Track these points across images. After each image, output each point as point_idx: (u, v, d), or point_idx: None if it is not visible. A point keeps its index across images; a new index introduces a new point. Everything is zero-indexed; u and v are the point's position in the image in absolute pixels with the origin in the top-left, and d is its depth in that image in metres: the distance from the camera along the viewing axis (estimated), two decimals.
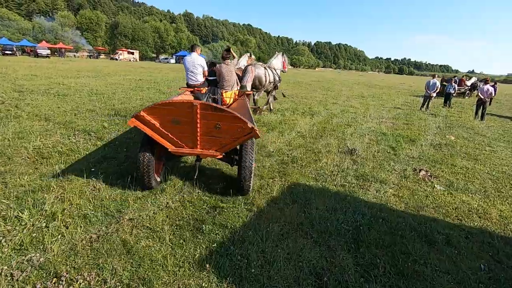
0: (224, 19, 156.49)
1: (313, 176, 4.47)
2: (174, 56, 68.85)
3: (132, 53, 62.61)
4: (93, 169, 3.96)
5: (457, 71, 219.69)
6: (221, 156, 3.52)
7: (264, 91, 8.92)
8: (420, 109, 13.29)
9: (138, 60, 62.93)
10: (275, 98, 9.76)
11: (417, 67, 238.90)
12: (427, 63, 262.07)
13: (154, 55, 75.89)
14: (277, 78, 8.99)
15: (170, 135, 3.28)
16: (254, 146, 3.61)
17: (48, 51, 41.82)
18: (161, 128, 3.22)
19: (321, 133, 7.24)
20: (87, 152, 4.59)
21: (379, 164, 5.21)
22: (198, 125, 3.18)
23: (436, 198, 4.07)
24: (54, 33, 55.57)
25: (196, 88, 5.90)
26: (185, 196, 3.45)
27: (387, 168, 5.04)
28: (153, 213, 3.01)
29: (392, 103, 15.54)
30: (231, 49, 6.48)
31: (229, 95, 5.94)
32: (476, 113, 11.95)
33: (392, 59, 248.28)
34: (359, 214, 3.35)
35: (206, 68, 6.13)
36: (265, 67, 8.29)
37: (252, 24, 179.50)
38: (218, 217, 3.05)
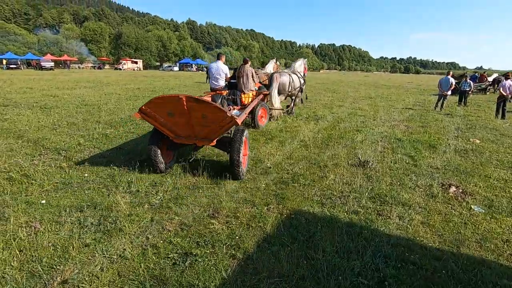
0: (227, 25, 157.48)
1: (319, 199, 3.63)
2: (177, 64, 68.97)
3: (136, 62, 62.85)
4: (43, 201, 3.21)
5: (464, 68, 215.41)
6: (214, 144, 4.13)
7: (289, 96, 9.23)
8: (434, 109, 12.30)
9: (142, 69, 63.11)
10: (302, 102, 10.56)
11: (423, 66, 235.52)
12: (433, 61, 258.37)
13: (158, 63, 76.24)
14: (302, 81, 9.44)
15: (169, 125, 3.92)
16: (245, 134, 4.16)
17: (52, 64, 42.10)
18: (160, 120, 3.86)
19: (327, 141, 6.38)
20: (45, 178, 3.84)
21: (399, 179, 4.33)
22: (189, 116, 3.71)
23: (477, 225, 3.18)
24: (59, 45, 56.20)
25: (217, 91, 6.85)
26: (149, 238, 2.64)
27: (409, 184, 4.16)
28: (100, 268, 2.21)
29: (402, 103, 14.56)
30: (249, 62, 7.37)
31: (247, 96, 6.96)
32: (497, 111, 10.90)
33: (398, 58, 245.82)
34: (381, 258, 2.49)
35: (229, 75, 7.20)
36: (289, 74, 8.74)
37: (255, 29, 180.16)
38: (188, 271, 2.24)
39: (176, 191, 3.59)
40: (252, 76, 7.15)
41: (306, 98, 11.50)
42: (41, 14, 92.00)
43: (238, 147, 3.89)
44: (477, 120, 10.28)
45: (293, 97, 9.34)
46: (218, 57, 7.18)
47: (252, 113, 6.81)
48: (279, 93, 8.41)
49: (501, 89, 10.77)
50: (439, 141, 6.77)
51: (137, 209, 3.15)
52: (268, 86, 8.01)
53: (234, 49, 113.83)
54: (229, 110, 5.39)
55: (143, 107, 3.77)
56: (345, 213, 3.29)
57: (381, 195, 3.76)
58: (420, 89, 26.85)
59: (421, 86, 30.66)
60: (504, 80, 10.81)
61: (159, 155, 4.04)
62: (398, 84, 33.62)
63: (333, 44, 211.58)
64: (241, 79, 6.99)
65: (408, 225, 3.09)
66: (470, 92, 14.47)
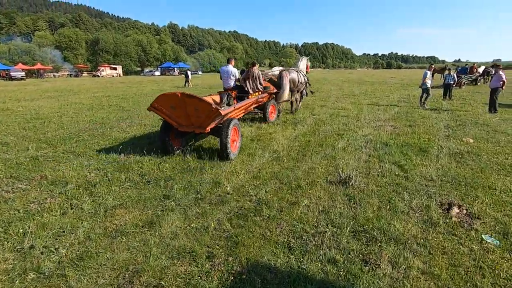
0: (209, 27, 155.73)
1: (285, 240, 2.72)
2: (159, 68, 67.19)
3: (115, 69, 60.78)
4: None
5: (444, 61, 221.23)
6: (209, 131, 4.98)
7: (297, 91, 9.73)
8: (421, 106, 11.65)
9: (121, 75, 61.07)
10: (306, 95, 11.47)
11: (404, 61, 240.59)
12: (414, 55, 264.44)
13: (139, 68, 74.14)
14: (306, 79, 10.19)
15: (172, 117, 4.93)
16: (233, 123, 5.03)
17: (23, 73, 39.87)
18: (166, 112, 4.89)
19: (304, 150, 5.50)
20: None
21: (388, 200, 3.48)
22: (185, 109, 4.69)
23: (495, 268, 2.34)
24: (32, 54, 53.54)
25: (228, 90, 7.57)
26: None
27: (401, 208, 3.31)
28: None
29: (386, 100, 13.94)
30: (257, 65, 8.15)
31: (253, 96, 7.68)
32: (490, 104, 10.31)
33: (380, 54, 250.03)
34: None
35: (238, 76, 7.96)
36: (296, 71, 9.42)
37: (238, 31, 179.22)
38: None
39: (88, 243, 2.60)
40: (259, 78, 7.91)
41: (312, 93, 12.13)
42: (15, 23, 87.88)
43: (226, 132, 4.77)
44: (465, 115, 9.68)
45: (300, 93, 10.21)
46: (228, 61, 8.01)
47: (264, 109, 8.00)
48: (291, 90, 9.13)
49: (492, 81, 10.19)
50: (429, 143, 6.01)
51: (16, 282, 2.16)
52: (278, 83, 8.62)
53: (217, 51, 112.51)
54: (224, 105, 6.46)
55: (153, 103, 4.87)
56: (319, 264, 2.39)
57: (367, 228, 2.89)
58: (403, 83, 26.56)
59: (403, 81, 30.47)
60: (495, 71, 10.22)
61: (168, 139, 5.16)
62: (382, 80, 33.39)
63: (316, 43, 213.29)
64: (247, 81, 7.85)
65: (405, 279, 2.22)
66: (454, 85, 14.00)
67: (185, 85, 24.67)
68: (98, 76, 55.19)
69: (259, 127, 7.53)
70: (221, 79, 8.05)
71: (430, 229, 2.92)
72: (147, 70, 67.81)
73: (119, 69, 61.43)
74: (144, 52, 72.42)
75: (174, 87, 23.81)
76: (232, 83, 7.88)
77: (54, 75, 52.78)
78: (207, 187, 3.81)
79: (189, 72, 25.84)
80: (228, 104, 6.55)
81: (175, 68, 70.36)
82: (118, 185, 3.88)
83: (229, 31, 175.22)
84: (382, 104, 12.19)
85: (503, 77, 9.81)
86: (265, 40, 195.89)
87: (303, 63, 11.08)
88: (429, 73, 11.41)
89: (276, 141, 6.11)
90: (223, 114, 4.77)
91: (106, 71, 57.86)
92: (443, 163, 4.81)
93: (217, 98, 7.12)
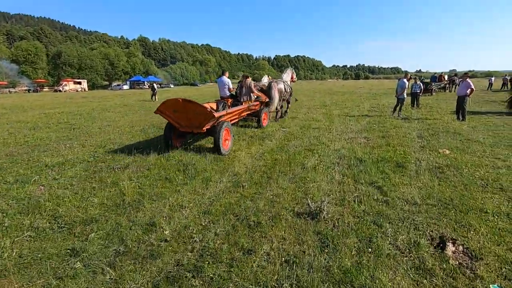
0: (181, 41, 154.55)
1: None
2: (127, 82, 64.64)
3: (79, 83, 57.42)
4: None
5: (406, 71, 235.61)
6: (205, 131, 5.92)
7: (284, 100, 10.74)
8: (392, 114, 11.46)
9: (86, 89, 57.79)
10: (289, 102, 11.88)
11: (371, 71, 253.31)
12: (379, 67, 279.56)
13: (106, 82, 70.87)
14: (290, 89, 11.18)
15: (175, 119, 5.86)
16: (225, 125, 5.99)
17: None
18: (170, 115, 5.81)
19: (270, 172, 4.74)
20: None
21: (368, 239, 2.77)
22: (186, 112, 5.61)
23: None
24: None
25: (223, 99, 8.45)
26: None
27: (385, 249, 2.60)
28: None
29: (357, 110, 13.75)
30: (249, 77, 8.93)
31: (247, 103, 8.38)
32: (457, 112, 10.30)
33: (348, 66, 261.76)
34: None
35: (231, 86, 8.73)
36: (283, 82, 10.49)
37: (211, 44, 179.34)
38: None
39: None
40: (251, 88, 8.59)
41: (296, 100, 13.92)
42: None
43: (219, 132, 5.64)
44: (435, 123, 9.53)
45: (287, 100, 11.21)
46: (223, 73, 8.96)
47: (258, 116, 8.89)
48: (279, 99, 10.02)
49: (460, 89, 10.19)
50: (406, 156, 5.51)
51: None
52: (268, 93, 9.54)
53: (190, 64, 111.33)
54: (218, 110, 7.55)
55: (159, 108, 5.75)
56: None
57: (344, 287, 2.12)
58: (372, 93, 27.16)
59: (372, 90, 31.31)
60: (463, 80, 10.24)
61: (171, 138, 6.11)
62: (351, 90, 34.13)
63: (288, 55, 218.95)
64: (241, 90, 8.69)
65: None
66: (420, 94, 14.17)
67: (151, 98, 23.36)
68: (60, 91, 51.70)
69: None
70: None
71: (425, 280, 2.21)
72: (115, 84, 64.98)
73: (84, 84, 58.16)
74: (111, 65, 69.46)
75: (140, 101, 22.46)
76: (227, 92, 8.70)
77: (9, 91, 48.69)
78: (137, 233, 2.88)
79: (155, 85, 24.55)
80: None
81: (145, 82, 68.20)
82: (13, 236, 2.84)
83: (202, 44, 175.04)
84: (354, 115, 11.89)
85: (472, 85, 9.85)
86: (238, 53, 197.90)
87: (288, 74, 11.93)
88: (407, 83, 11.30)
89: (238, 161, 5.31)
90: (216, 116, 5.72)
91: (69, 86, 54.42)
92: (424, 180, 4.25)
93: (214, 105, 8.05)
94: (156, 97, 24.09)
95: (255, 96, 8.99)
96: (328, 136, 7.53)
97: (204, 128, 5.80)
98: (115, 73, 70.81)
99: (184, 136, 6.80)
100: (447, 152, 5.87)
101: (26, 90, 51.81)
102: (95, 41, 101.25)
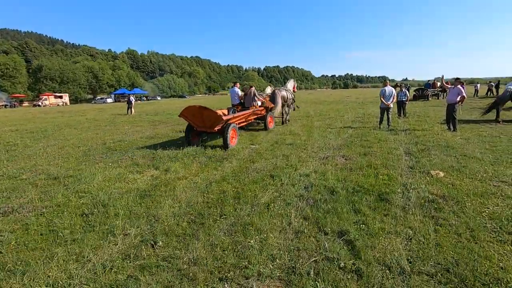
0: (171, 53, 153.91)
1: None
2: (112, 95, 63.04)
3: (61, 97, 55.58)
4: None
5: (393, 80, 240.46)
6: (216, 130, 7.28)
7: (286, 106, 11.78)
8: (379, 126, 10.35)
9: (68, 103, 55.92)
10: (294, 109, 13.59)
11: (359, 81, 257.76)
12: (367, 76, 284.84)
13: (90, 96, 69.05)
14: (292, 96, 12.31)
15: (193, 121, 7.42)
16: (232, 126, 7.47)
17: None
18: (189, 118, 7.38)
19: (207, 214, 3.46)
20: None
21: None
22: (202, 116, 7.17)
23: None
24: None
25: (234, 106, 10.66)
26: None
27: None
28: None
29: (341, 120, 12.70)
30: (253, 87, 10.86)
31: (251, 108, 9.94)
32: (448, 122, 9.30)
33: (337, 75, 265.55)
34: None
35: (240, 94, 10.85)
36: (285, 90, 11.71)
37: (200, 56, 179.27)
38: None
39: None
40: (255, 96, 10.07)
41: (298, 107, 15.52)
42: None
43: (227, 131, 7.12)
44: (425, 135, 8.47)
45: (288, 107, 12.12)
46: (234, 84, 11.19)
47: (264, 119, 10.14)
48: (282, 105, 11.26)
49: (449, 96, 9.18)
50: (390, 183, 4.32)
51: None
52: (273, 99, 10.87)
53: (178, 76, 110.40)
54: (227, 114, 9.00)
55: (182, 112, 7.32)
56: None
57: None
58: (358, 102, 26.45)
59: (359, 99, 30.67)
60: (455, 86, 9.22)
61: (190, 137, 7.73)
62: (338, 99, 33.48)
63: (278, 66, 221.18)
64: (246, 98, 10.20)
65: None
66: (407, 102, 13.24)
67: (127, 112, 21.94)
68: (39, 105, 49.80)
69: (167, 169, 5.40)
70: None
71: None
72: (98, 97, 63.32)
73: (65, 98, 56.30)
74: (95, 78, 67.78)
75: (114, 115, 21.06)
76: (237, 100, 10.78)
77: None
78: None
79: (132, 98, 23.16)
80: None
81: (130, 95, 66.65)
82: None
83: (191, 56, 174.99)
84: (336, 126, 10.79)
85: (463, 92, 8.88)
86: (228, 65, 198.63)
87: (290, 84, 13.34)
88: (394, 92, 10.26)
89: (174, 195, 4.02)
90: (225, 119, 7.19)
91: (49, 100, 52.55)
92: (414, 224, 3.05)
93: (225, 111, 9.79)
94: (133, 110, 22.73)
95: (260, 103, 10.31)
96: (301, 155, 6.33)
97: (215, 129, 7.28)
98: (99, 87, 69.11)
99: (200, 134, 8.16)
100: (441, 174, 4.72)
101: (2, 105, 49.58)
102: (82, 54, 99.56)
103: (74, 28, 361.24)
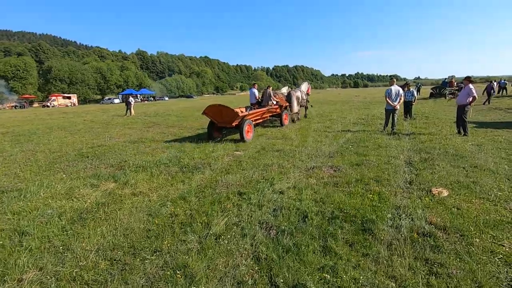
0: (180, 53, 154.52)
1: None
2: (119, 96, 63.48)
3: (69, 98, 56.25)
4: None
5: (405, 79, 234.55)
6: (234, 126, 8.21)
7: (301, 105, 12.88)
8: (384, 129, 9.42)
9: (76, 104, 56.57)
10: (306, 108, 14.60)
11: (370, 79, 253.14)
12: (378, 74, 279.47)
13: (99, 96, 69.78)
14: (306, 97, 13.66)
15: (214, 117, 8.41)
16: (247, 122, 8.41)
17: None
18: (211, 115, 8.40)
19: (142, 245, 2.76)
20: None
21: None
22: (221, 113, 8.20)
23: None
24: None
25: (252, 104, 11.75)
26: None
27: None
28: None
29: (342, 123, 11.82)
30: (270, 87, 11.79)
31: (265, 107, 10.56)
32: (458, 125, 8.32)
33: (347, 74, 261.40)
34: None
35: (258, 95, 12.08)
36: (300, 91, 12.87)
37: (209, 56, 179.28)
38: None
39: None
40: (271, 96, 10.94)
41: (311, 106, 17.42)
42: None
43: (243, 126, 8.06)
44: (431, 140, 7.55)
45: (303, 106, 13.56)
46: (253, 85, 12.30)
47: (280, 117, 11.14)
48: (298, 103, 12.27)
49: (459, 97, 8.18)
50: (380, 206, 3.52)
51: None
52: (289, 99, 11.87)
53: (186, 77, 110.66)
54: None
55: (205, 110, 8.41)
56: None
57: None
58: (365, 102, 25.35)
59: (366, 99, 29.51)
60: (471, 85, 8.20)
61: (212, 132, 8.77)
62: (346, 99, 32.38)
63: (287, 66, 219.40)
64: (263, 97, 11.29)
65: None
66: (414, 102, 12.24)
67: (126, 113, 21.53)
68: (48, 106, 50.53)
69: (125, 184, 4.73)
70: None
71: None
72: (106, 98, 63.87)
73: (74, 98, 56.94)
74: (104, 79, 68.43)
75: (113, 116, 20.74)
76: (254, 99, 11.83)
77: None
78: None
79: (131, 99, 22.68)
80: None
81: (138, 95, 67.00)
82: None
83: (200, 56, 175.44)
84: (333, 130, 9.94)
85: (474, 92, 7.91)
86: (237, 64, 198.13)
87: (305, 85, 14.38)
88: (401, 92, 9.29)
89: (115, 218, 3.35)
90: (241, 116, 8.29)
91: (58, 101, 53.24)
92: (399, 273, 2.26)
93: (243, 109, 10.50)
94: (132, 112, 22.31)
95: (275, 102, 11.09)
96: (284, 165, 5.57)
97: (233, 124, 8.18)
98: (108, 87, 69.72)
99: (221, 130, 9.19)
100: (445, 193, 3.88)
101: (13, 106, 50.52)
102: (92, 55, 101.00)
103: (88, 30, 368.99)
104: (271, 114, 10.92)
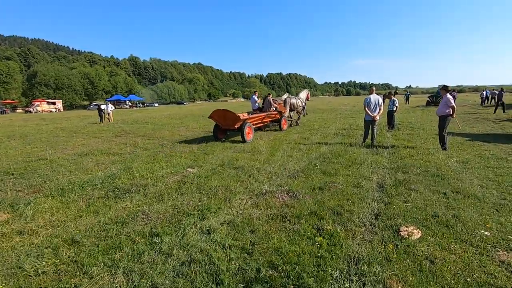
0: (173, 60, 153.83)
1: None
2: (107, 101, 62.07)
3: (54, 103, 54.68)
4: None
5: (397, 87, 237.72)
6: (236, 128, 9.27)
7: (297, 112, 14.23)
8: (363, 142, 8.61)
9: (61, 109, 54.97)
10: (304, 115, 17.35)
11: (362, 88, 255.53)
12: (370, 83, 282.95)
13: (86, 102, 68.21)
14: (303, 104, 14.49)
15: (219, 120, 9.56)
16: (248, 124, 9.37)
17: None
18: (216, 118, 9.58)
19: None
20: None
21: None
22: (225, 116, 9.37)
23: None
24: None
25: (254, 110, 12.65)
26: None
27: None
28: None
29: (322, 133, 10.99)
30: (271, 94, 12.82)
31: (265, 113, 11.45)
32: (440, 139, 7.52)
33: (340, 82, 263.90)
34: None
35: (258, 102, 13.21)
36: (296, 98, 13.92)
37: (202, 63, 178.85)
38: None
39: None
40: (270, 102, 12.03)
41: (307, 114, 19.00)
42: None
43: (243, 128, 9.02)
44: (412, 155, 6.74)
45: (299, 112, 14.27)
46: (254, 93, 13.44)
47: (279, 122, 11.93)
48: (291, 109, 13.28)
49: (441, 107, 7.39)
50: (326, 259, 2.59)
51: None
52: (285, 105, 12.84)
53: (178, 83, 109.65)
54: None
55: (211, 114, 9.59)
56: None
57: None
58: (353, 110, 24.74)
59: (355, 107, 28.93)
60: (449, 94, 7.44)
61: (217, 133, 9.81)
62: (334, 107, 31.82)
63: (280, 73, 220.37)
64: (264, 104, 12.32)
65: None
66: (396, 112, 11.51)
67: (100, 121, 20.38)
68: (30, 112, 48.89)
69: (20, 215, 3.73)
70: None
71: None
72: (94, 103, 62.42)
73: (59, 104, 55.39)
74: (91, 84, 66.97)
75: (88, 124, 19.62)
76: (255, 106, 12.88)
77: None
78: None
79: (105, 106, 21.37)
80: None
81: (126, 101, 65.70)
82: None
83: (194, 63, 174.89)
84: (310, 142, 9.08)
85: (452, 101, 7.14)
86: (231, 71, 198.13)
87: (304, 93, 15.21)
88: (380, 101, 8.50)
89: None
90: (242, 119, 9.37)
91: (42, 106, 51.64)
92: None
93: (246, 114, 11.14)
94: (111, 119, 21.18)
95: (274, 108, 12.02)
96: (234, 188, 4.64)
97: (235, 126, 9.22)
98: (96, 93, 68.21)
99: (225, 132, 10.14)
100: (416, 235, 3.00)
101: None
102: (84, 60, 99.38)
103: (81, 35, 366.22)
104: (270, 119, 11.87)
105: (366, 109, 8.40)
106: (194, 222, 3.39)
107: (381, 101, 8.44)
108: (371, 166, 5.88)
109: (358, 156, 6.79)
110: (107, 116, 20.89)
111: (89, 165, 6.63)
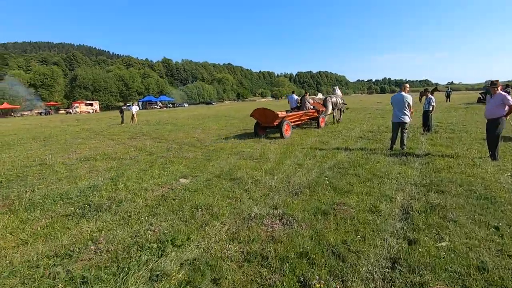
0: (204, 61, 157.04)
1: None
2: (139, 102, 64.78)
3: (91, 105, 58.21)
4: None
5: (437, 84, 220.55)
6: (274, 126, 9.85)
7: (338, 109, 14.34)
8: (391, 148, 7.37)
9: (98, 110, 58.35)
10: (343, 111, 15.63)
11: (398, 85, 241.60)
12: (406, 80, 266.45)
13: (121, 103, 71.88)
14: (343, 101, 14.82)
15: (260, 118, 10.38)
16: (286, 122, 9.93)
17: None
18: (257, 116, 10.41)
19: None
20: None
21: None
22: (265, 114, 10.14)
23: None
24: (1, 93, 51.10)
25: (292, 109, 13.37)
26: None
27: None
28: None
29: (344, 137, 9.79)
30: (307, 93, 13.93)
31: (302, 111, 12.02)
32: (490, 147, 6.02)
33: (374, 80, 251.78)
34: None
35: (297, 100, 13.65)
36: (335, 96, 14.15)
37: (232, 63, 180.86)
38: None
39: None
40: (307, 101, 12.59)
41: (347, 109, 19.00)
42: (7, 64, 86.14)
43: (282, 126, 9.60)
44: (450, 166, 5.44)
45: (340, 110, 14.57)
46: (293, 92, 14.71)
47: (317, 120, 12.40)
48: (332, 107, 13.61)
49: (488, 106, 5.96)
50: None
51: None
52: (325, 104, 13.21)
53: (208, 83, 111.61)
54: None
55: (252, 113, 10.41)
56: None
57: None
58: (385, 110, 22.75)
59: (388, 106, 26.71)
60: (502, 91, 5.95)
61: (258, 131, 10.67)
62: (365, 106, 29.82)
63: (310, 71, 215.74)
64: (302, 102, 12.72)
65: None
66: (432, 112, 9.90)
67: (122, 122, 20.72)
68: (70, 113, 52.45)
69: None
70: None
71: None
72: (128, 104, 65.51)
73: (96, 105, 58.84)
74: (126, 86, 70.34)
75: (111, 125, 20.08)
76: (294, 104, 13.61)
77: (22, 114, 49.99)
78: None
79: (130, 107, 21.80)
80: None
81: (157, 102, 68.00)
82: None
83: (223, 64, 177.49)
84: (328, 147, 7.98)
85: (510, 100, 5.62)
86: (260, 71, 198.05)
87: (339, 91, 15.39)
88: (409, 100, 7.24)
89: None
90: (280, 117, 9.92)
91: (80, 108, 55.20)
92: None
93: (284, 112, 11.50)
94: (135, 119, 21.54)
95: (312, 106, 12.51)
96: (219, 209, 3.84)
97: (274, 124, 9.81)
98: (129, 94, 71.54)
99: (265, 128, 10.73)
100: None
101: (39, 112, 53.01)
102: (120, 63, 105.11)
103: (121, 41, 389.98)
104: (308, 117, 12.27)
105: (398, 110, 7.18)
106: (147, 260, 2.64)
107: (409, 100, 7.14)
108: (396, 181, 4.75)
109: (381, 167, 5.65)
110: (131, 117, 21.25)
111: (82, 173, 6.23)
